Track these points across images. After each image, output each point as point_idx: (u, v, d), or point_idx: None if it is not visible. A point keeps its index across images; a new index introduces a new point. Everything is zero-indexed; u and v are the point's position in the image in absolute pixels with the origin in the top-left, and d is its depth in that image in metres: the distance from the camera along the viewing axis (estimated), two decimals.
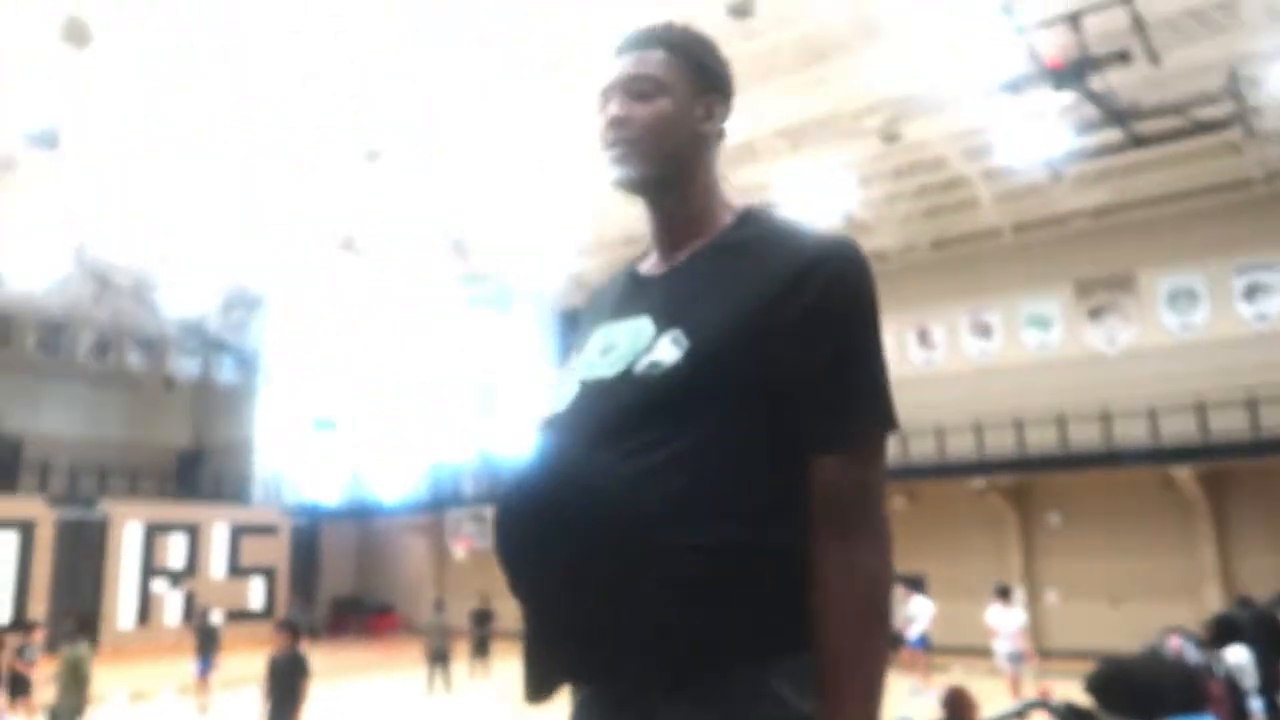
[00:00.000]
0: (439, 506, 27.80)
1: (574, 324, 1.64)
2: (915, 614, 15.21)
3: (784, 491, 1.27)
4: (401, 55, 13.94)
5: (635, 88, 1.42)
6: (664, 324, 1.33)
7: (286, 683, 8.18)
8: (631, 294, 1.46)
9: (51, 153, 14.98)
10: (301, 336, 29.83)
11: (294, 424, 30.71)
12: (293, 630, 8.64)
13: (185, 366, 28.30)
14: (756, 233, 1.38)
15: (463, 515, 26.14)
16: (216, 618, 16.78)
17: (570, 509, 1.25)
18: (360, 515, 30.89)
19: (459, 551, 25.94)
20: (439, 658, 16.85)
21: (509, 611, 15.65)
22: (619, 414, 1.29)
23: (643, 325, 1.35)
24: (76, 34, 12.23)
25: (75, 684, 10.71)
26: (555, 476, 1.29)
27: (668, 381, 1.28)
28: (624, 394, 1.30)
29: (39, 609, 22.73)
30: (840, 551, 1.26)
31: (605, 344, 1.39)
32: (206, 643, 14.99)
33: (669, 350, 1.29)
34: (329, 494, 30.71)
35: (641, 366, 1.31)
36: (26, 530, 23.33)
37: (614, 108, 1.43)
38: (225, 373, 29.41)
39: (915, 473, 20.58)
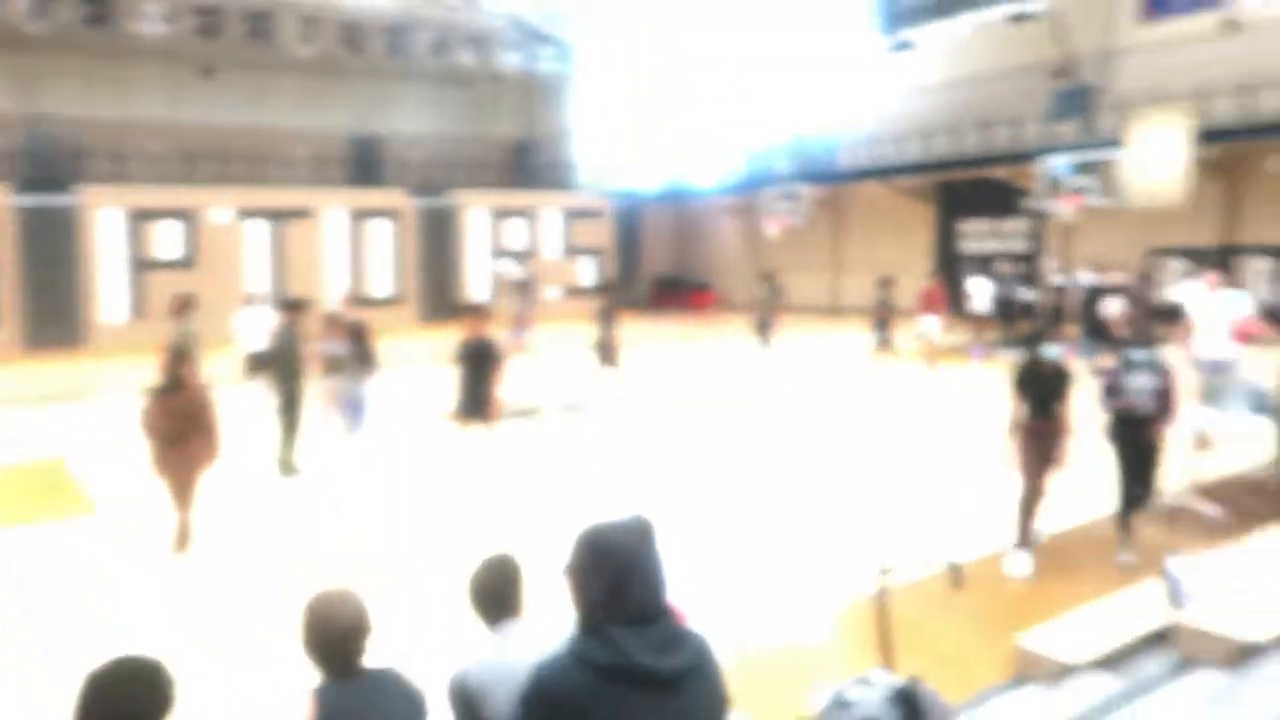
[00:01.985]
0: (752, 187, 28.03)
1: None
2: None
3: None
4: None
5: None
6: None
7: (476, 363, 8.18)
8: None
9: None
10: (617, 24, 30.08)
11: (612, 112, 31.65)
12: (479, 314, 8.60)
13: (511, 61, 29.91)
14: None
15: (775, 195, 26.21)
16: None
17: None
18: (677, 199, 31.94)
19: (772, 229, 26.32)
20: (763, 327, 17.68)
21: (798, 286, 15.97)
22: None
23: None
24: None
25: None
26: None
27: None
28: None
29: (411, 285, 26.66)
30: None
31: None
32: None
33: None
34: (647, 180, 31.89)
35: None
36: (395, 217, 26.74)
37: None
38: (546, 65, 30.67)
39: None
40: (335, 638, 2.35)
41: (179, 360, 6.46)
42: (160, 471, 6.44)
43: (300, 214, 25.14)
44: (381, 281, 26.33)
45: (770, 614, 5.47)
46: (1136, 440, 6.30)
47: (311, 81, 28.43)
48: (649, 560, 1.95)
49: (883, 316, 17.95)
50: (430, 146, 29.69)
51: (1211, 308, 9.51)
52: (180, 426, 6.32)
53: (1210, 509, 5.98)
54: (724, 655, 2.07)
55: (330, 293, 24.46)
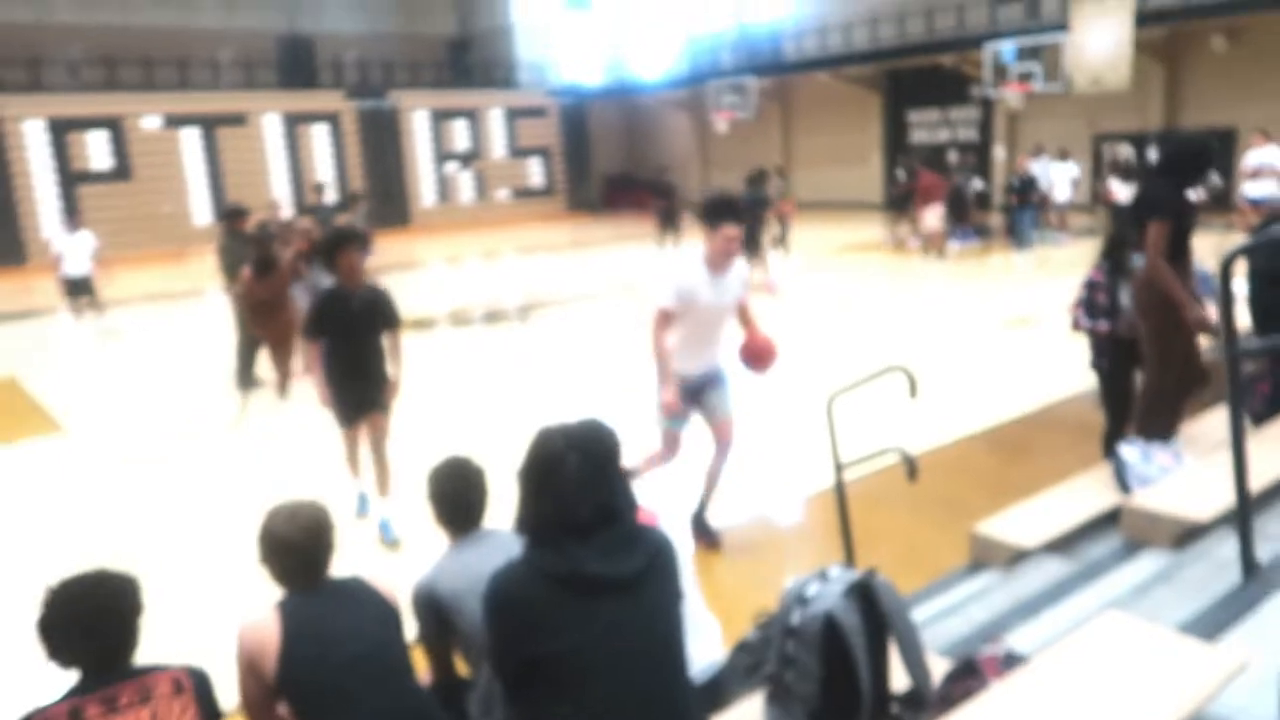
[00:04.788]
0: (698, 80, 27.49)
1: None
2: (1264, 165, 13.19)
3: None
4: None
5: None
6: None
7: (365, 329, 5.17)
8: None
9: None
10: None
11: (550, 6, 30.56)
12: (357, 245, 5.22)
13: None
14: None
15: (722, 87, 25.76)
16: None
17: None
18: (623, 94, 31.26)
19: (720, 124, 25.96)
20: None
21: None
22: None
23: None
24: None
25: None
26: None
27: None
28: None
29: (359, 191, 25.97)
30: None
31: None
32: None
33: None
34: (590, 75, 31.08)
35: None
36: (334, 122, 25.87)
37: None
38: None
39: (1240, 5, 17.48)
40: (285, 551, 2.31)
41: (267, 248, 8.03)
42: (259, 328, 8.09)
43: (234, 120, 24.21)
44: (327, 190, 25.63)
45: (738, 509, 5.62)
46: (1128, 371, 4.89)
47: None
48: (586, 476, 1.94)
49: (779, 214, 16.93)
50: (363, 46, 28.57)
51: None
52: (271, 299, 7.87)
53: None
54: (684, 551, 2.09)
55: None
